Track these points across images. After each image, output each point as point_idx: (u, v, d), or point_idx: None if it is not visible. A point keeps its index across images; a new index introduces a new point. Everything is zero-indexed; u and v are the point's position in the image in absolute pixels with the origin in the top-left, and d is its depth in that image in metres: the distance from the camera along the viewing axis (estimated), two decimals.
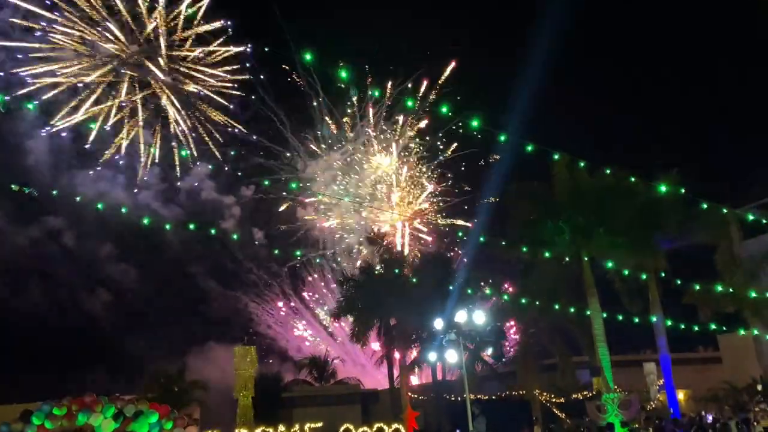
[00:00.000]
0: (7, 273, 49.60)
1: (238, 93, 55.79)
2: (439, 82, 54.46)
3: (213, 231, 34.08)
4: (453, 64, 55.06)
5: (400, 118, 55.82)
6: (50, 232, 54.08)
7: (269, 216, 57.49)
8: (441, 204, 57.40)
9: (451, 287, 26.49)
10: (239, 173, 54.91)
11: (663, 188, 22.21)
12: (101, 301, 55.15)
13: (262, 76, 55.44)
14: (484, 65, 53.95)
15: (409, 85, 52.53)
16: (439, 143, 56.88)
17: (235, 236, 48.62)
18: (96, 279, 55.34)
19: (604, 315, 25.77)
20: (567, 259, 26.32)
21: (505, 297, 26.41)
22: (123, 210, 28.42)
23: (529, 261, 27.64)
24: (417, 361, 31.66)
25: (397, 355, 32.10)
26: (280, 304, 59.66)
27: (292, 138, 57.31)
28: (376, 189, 56.74)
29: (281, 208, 57.26)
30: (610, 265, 25.50)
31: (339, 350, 52.91)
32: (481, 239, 25.00)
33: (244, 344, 25.59)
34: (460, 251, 52.16)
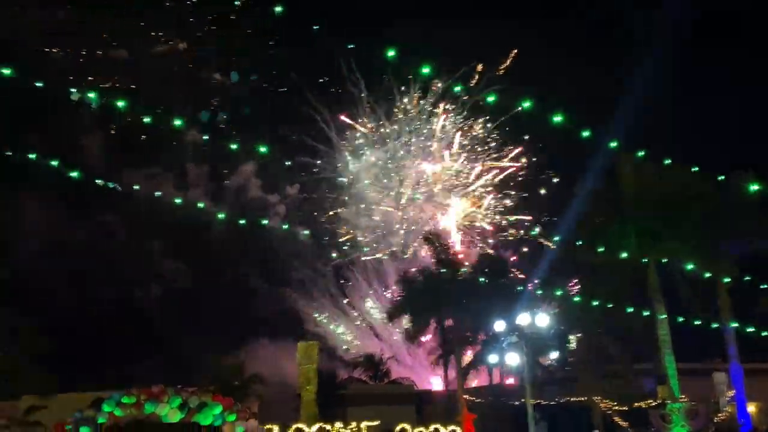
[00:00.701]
0: (68, 266, 51.28)
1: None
2: (502, 67, 53.51)
3: (286, 226, 34.51)
4: (513, 53, 54.33)
5: (439, 109, 55.27)
6: (105, 227, 56.06)
7: (313, 214, 57.69)
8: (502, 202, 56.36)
9: (520, 288, 26.06)
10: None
11: (755, 187, 21.06)
12: (154, 295, 56.67)
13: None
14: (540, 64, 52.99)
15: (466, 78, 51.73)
16: (496, 140, 55.98)
17: (306, 232, 48.96)
18: (149, 274, 56.79)
19: (681, 319, 24.86)
20: (634, 262, 25.54)
21: (577, 298, 25.74)
22: (200, 205, 29.12)
23: (594, 264, 26.93)
24: (474, 363, 31.31)
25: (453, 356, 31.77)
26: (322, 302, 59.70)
27: (336, 138, 57.58)
28: (434, 186, 56.18)
29: (323, 219, 56.98)
30: (690, 266, 24.55)
31: (388, 350, 52.87)
32: (556, 238, 24.43)
33: (306, 340, 25.75)
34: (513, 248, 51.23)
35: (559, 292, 25.54)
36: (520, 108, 16.82)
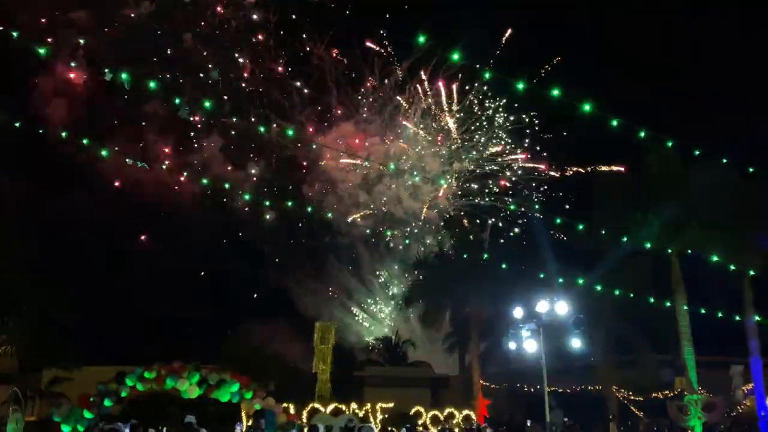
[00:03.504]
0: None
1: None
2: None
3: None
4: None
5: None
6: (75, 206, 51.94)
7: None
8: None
9: (542, 275, 25.89)
10: None
11: None
12: (140, 276, 53.97)
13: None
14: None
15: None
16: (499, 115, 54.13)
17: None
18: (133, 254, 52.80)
19: (703, 311, 24.56)
20: (656, 252, 25.25)
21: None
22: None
23: (614, 252, 26.65)
24: (491, 348, 31.33)
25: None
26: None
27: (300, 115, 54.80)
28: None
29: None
30: (715, 259, 24.17)
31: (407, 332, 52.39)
32: (580, 226, 24.01)
33: (325, 321, 26.03)
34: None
35: (581, 281, 25.23)
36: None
